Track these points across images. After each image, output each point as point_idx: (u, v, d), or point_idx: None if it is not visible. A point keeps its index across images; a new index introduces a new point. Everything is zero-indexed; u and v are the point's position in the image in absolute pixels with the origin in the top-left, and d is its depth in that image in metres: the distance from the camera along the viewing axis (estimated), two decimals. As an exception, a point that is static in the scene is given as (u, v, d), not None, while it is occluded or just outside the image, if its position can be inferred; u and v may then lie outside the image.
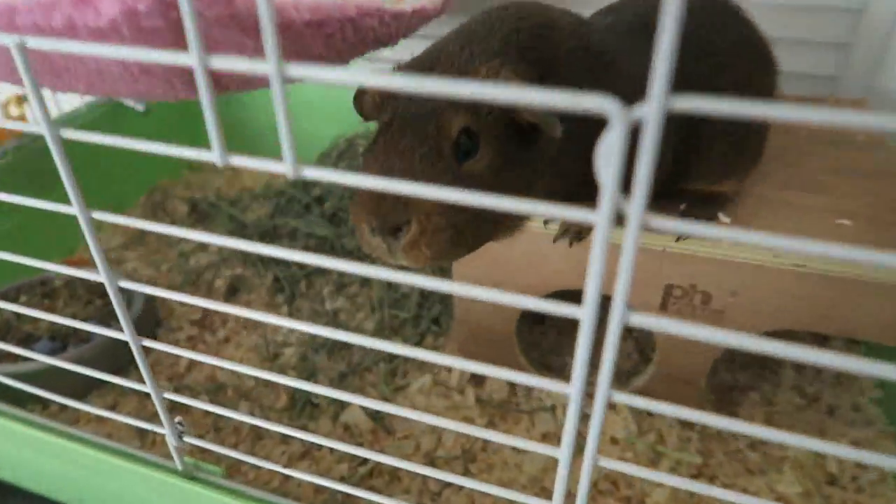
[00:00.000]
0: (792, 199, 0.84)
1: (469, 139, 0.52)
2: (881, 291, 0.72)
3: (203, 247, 1.31)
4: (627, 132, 0.27)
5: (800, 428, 0.90)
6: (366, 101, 0.57)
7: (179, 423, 0.60)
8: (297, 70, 0.29)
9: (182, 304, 1.17)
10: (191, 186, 1.57)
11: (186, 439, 0.60)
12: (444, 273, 1.12)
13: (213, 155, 0.33)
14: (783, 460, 0.85)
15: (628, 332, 1.07)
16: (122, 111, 1.47)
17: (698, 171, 0.74)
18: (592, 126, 0.61)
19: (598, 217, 0.29)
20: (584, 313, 0.33)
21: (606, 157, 0.28)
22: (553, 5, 0.64)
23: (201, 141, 0.44)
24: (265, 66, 0.29)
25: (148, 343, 0.51)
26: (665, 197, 0.77)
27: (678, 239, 0.77)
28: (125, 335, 0.51)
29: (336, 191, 1.30)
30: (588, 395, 0.36)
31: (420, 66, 0.56)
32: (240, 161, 0.33)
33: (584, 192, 0.64)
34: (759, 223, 0.79)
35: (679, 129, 0.68)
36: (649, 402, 0.35)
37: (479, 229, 0.53)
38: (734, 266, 0.76)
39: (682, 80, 0.68)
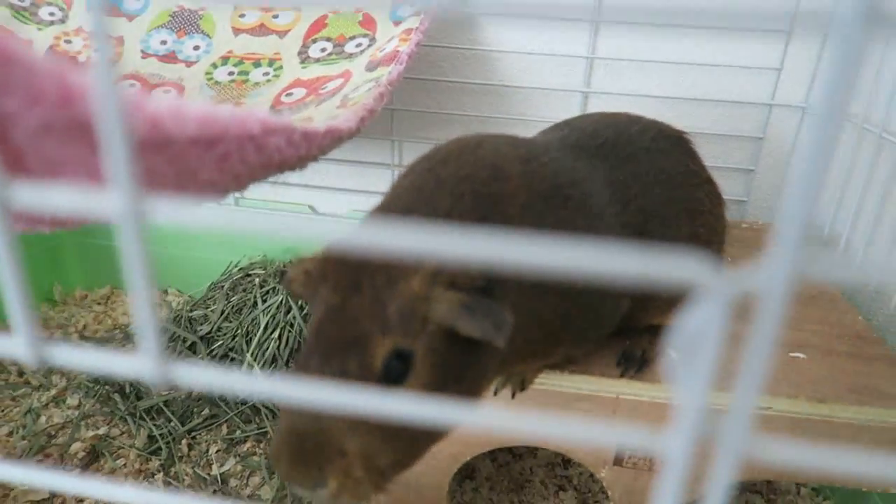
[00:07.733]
0: (735, 330, 0.78)
1: (401, 362, 0.43)
2: (857, 432, 0.65)
3: (57, 401, 1.08)
4: (729, 307, 0.17)
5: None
6: (294, 279, 0.48)
7: None
8: (163, 210, 0.17)
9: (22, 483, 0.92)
10: (48, 324, 1.33)
11: None
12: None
13: (16, 346, 0.19)
14: None
15: (568, 485, 0.95)
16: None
17: (656, 303, 0.66)
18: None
19: (674, 446, 0.18)
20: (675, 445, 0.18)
21: (689, 347, 0.17)
22: (501, 141, 0.57)
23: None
24: (111, 202, 0.17)
25: None
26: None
27: (622, 374, 0.67)
28: None
29: (229, 327, 1.13)
30: None
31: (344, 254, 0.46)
32: (61, 357, 0.20)
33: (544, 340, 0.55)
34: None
35: None
36: None
37: (419, 446, 0.46)
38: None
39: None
